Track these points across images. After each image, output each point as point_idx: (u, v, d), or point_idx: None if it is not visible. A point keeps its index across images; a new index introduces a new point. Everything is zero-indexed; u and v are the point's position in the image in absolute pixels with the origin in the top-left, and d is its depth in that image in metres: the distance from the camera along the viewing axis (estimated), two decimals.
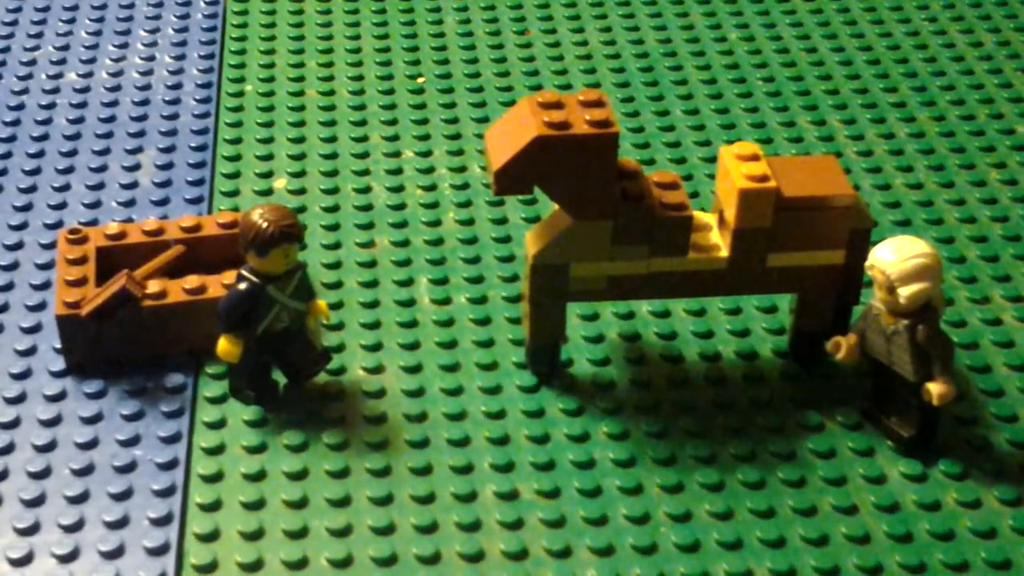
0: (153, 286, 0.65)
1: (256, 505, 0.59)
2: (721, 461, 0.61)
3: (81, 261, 0.66)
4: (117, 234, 0.68)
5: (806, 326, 0.64)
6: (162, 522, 0.58)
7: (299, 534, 0.58)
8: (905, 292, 0.58)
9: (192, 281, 0.65)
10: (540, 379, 0.65)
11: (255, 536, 0.58)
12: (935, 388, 0.59)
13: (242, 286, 0.60)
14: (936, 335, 0.59)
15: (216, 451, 0.61)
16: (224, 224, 0.69)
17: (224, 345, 0.61)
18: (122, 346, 0.65)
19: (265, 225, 0.59)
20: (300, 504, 0.59)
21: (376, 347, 0.67)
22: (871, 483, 0.60)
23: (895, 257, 0.58)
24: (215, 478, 0.60)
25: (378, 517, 0.58)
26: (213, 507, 0.59)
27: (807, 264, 0.62)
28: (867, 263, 0.59)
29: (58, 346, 0.66)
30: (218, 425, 0.63)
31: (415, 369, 0.65)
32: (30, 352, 0.66)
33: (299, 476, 0.60)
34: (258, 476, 0.60)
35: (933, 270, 0.58)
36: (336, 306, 0.69)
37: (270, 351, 0.62)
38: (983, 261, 0.73)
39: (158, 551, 0.57)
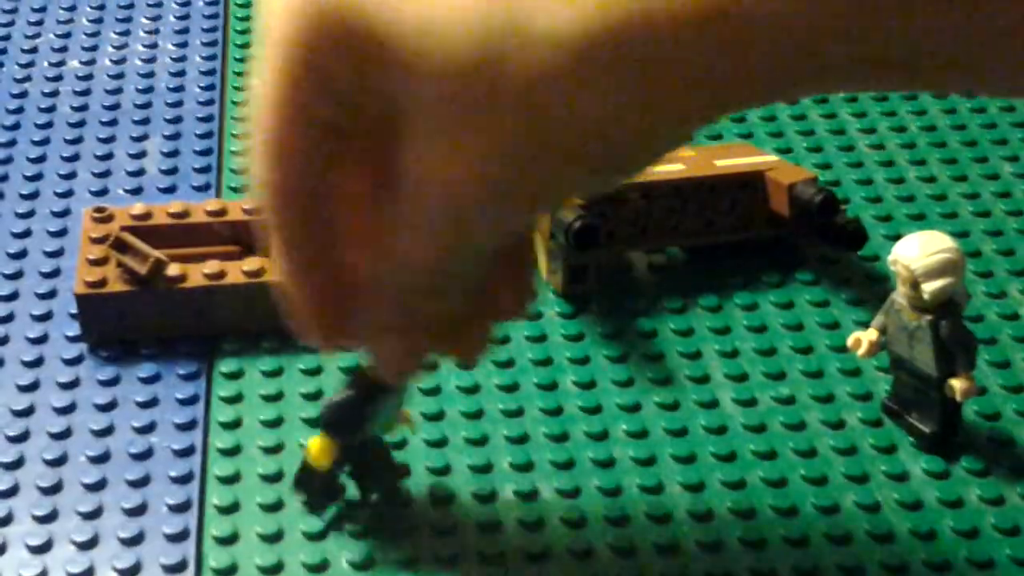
0: (173, 269, 0.64)
1: (274, 507, 0.58)
2: (742, 459, 0.61)
3: (104, 240, 0.66)
4: (142, 215, 0.68)
5: None
6: (181, 509, 0.58)
7: (319, 536, 0.57)
8: (929, 288, 0.58)
9: (212, 266, 0.65)
10: None
11: (274, 538, 0.57)
12: (958, 384, 0.58)
13: (357, 391, 0.55)
14: (960, 331, 0.59)
15: (232, 452, 0.61)
16: (248, 210, 0.69)
17: (321, 450, 0.56)
18: (139, 327, 0.65)
19: None
20: None
21: None
22: (893, 480, 0.60)
23: (919, 252, 0.58)
24: (232, 479, 0.60)
25: (395, 518, 0.58)
26: (230, 509, 0.58)
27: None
28: (890, 258, 0.59)
29: (70, 334, 0.66)
30: (233, 425, 0.62)
31: (430, 366, 0.65)
32: (42, 340, 0.66)
33: None
34: (275, 478, 0.60)
35: (957, 265, 0.58)
36: None
37: (353, 458, 0.57)
38: (999, 255, 0.72)
39: (178, 537, 0.57)
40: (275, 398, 0.63)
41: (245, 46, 0.88)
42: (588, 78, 0.36)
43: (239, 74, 0.85)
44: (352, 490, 0.58)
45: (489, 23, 0.36)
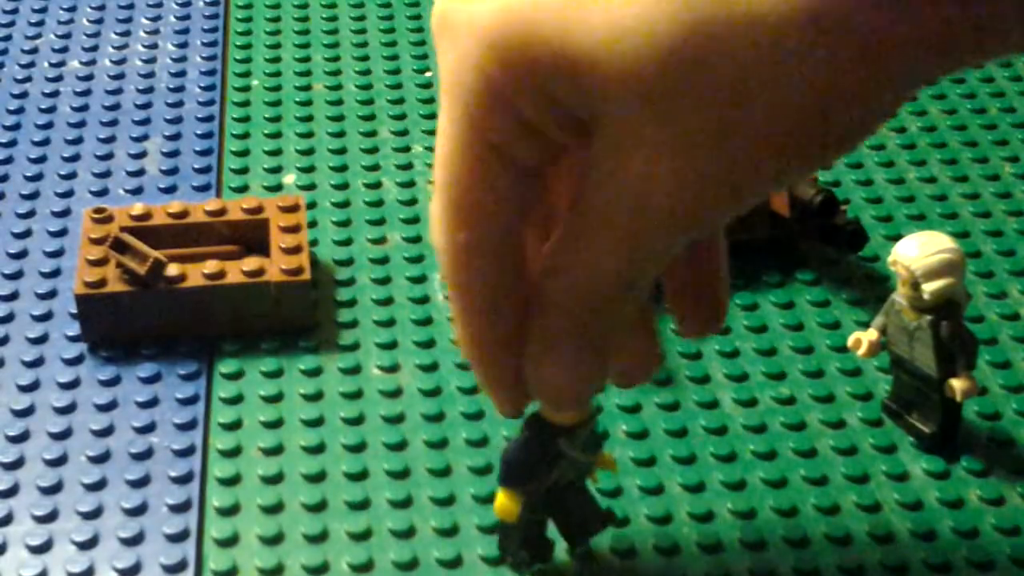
0: (172, 270, 0.64)
1: (274, 509, 0.58)
2: (742, 459, 0.61)
3: (103, 241, 0.66)
4: (142, 215, 0.68)
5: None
6: (181, 508, 0.58)
7: (319, 538, 0.57)
8: (929, 288, 0.57)
9: (212, 266, 0.65)
10: None
11: (274, 541, 0.57)
12: (958, 384, 0.58)
13: (532, 436, 0.51)
14: (960, 331, 0.58)
15: (232, 453, 0.61)
16: (248, 209, 0.69)
17: (503, 502, 0.52)
18: (138, 328, 0.65)
19: None
20: (319, 507, 0.58)
21: (391, 345, 0.66)
22: (893, 480, 0.60)
23: (919, 253, 0.58)
24: (232, 481, 0.60)
25: (398, 520, 0.57)
26: (231, 511, 0.58)
27: None
28: (890, 259, 0.59)
29: (71, 334, 0.66)
30: (233, 426, 0.62)
31: (431, 367, 0.65)
32: (42, 340, 0.66)
33: (317, 479, 0.60)
34: (276, 479, 0.60)
35: (957, 266, 0.58)
36: (349, 303, 0.68)
37: (549, 507, 0.54)
38: (999, 255, 0.72)
39: (178, 537, 0.57)
40: (275, 399, 0.63)
41: (245, 47, 0.88)
42: (800, 53, 0.36)
43: (239, 75, 0.85)
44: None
45: (682, 17, 0.36)
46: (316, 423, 0.62)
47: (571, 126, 0.40)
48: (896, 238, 0.60)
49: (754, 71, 0.36)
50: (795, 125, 0.37)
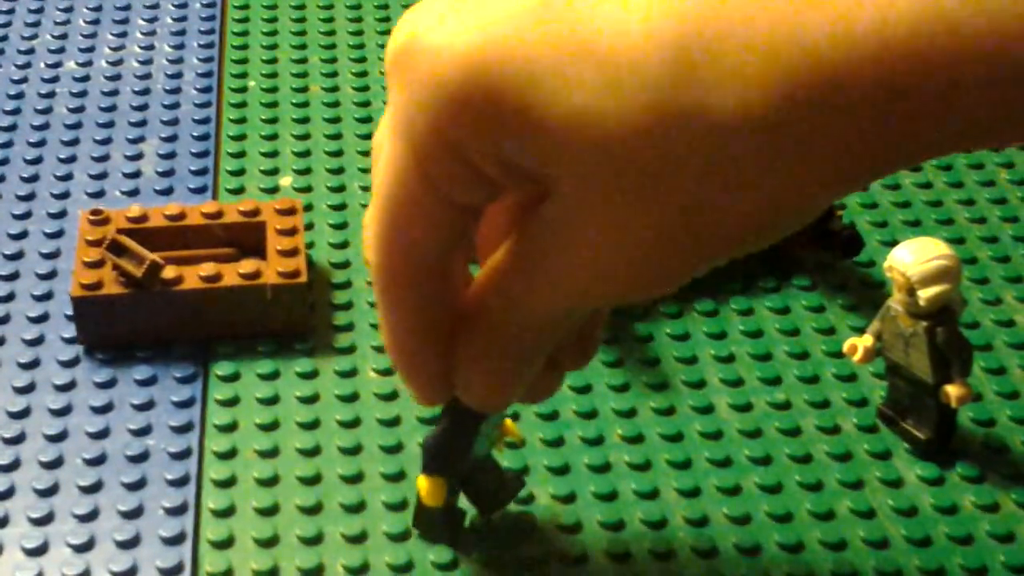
0: (168, 272, 0.64)
1: (270, 511, 0.58)
2: (737, 464, 0.61)
3: (100, 243, 0.66)
4: (138, 217, 0.68)
5: None
6: (177, 511, 0.58)
7: (314, 540, 0.57)
8: (925, 294, 0.58)
9: (208, 268, 0.65)
10: None
11: (270, 543, 0.57)
12: (953, 390, 0.58)
13: (452, 423, 0.53)
14: (955, 337, 0.59)
15: (228, 455, 0.61)
16: (245, 212, 0.69)
17: (430, 489, 0.55)
18: (135, 330, 0.65)
19: None
20: (314, 510, 0.58)
21: None
22: (888, 486, 0.60)
23: (914, 259, 0.58)
24: (227, 483, 0.60)
25: (393, 522, 0.57)
26: (226, 513, 0.58)
27: None
28: (886, 264, 0.59)
29: (66, 335, 0.66)
30: (229, 428, 0.62)
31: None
32: (38, 341, 0.66)
33: (312, 481, 0.60)
34: (271, 481, 0.60)
35: (953, 272, 0.58)
36: (345, 306, 0.68)
37: (464, 484, 0.56)
38: (995, 262, 0.72)
39: (174, 540, 0.57)
40: (271, 401, 0.63)
41: (242, 48, 0.88)
42: (751, 157, 0.36)
43: (236, 76, 0.85)
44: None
45: (658, 109, 0.36)
46: (312, 426, 0.62)
47: (519, 175, 0.40)
48: (892, 244, 0.60)
49: (713, 171, 0.37)
50: (745, 222, 0.38)
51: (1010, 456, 0.61)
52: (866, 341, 0.61)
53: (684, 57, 0.35)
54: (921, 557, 0.57)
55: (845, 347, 0.61)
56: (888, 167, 0.37)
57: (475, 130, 0.39)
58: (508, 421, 0.56)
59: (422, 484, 0.55)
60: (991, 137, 0.37)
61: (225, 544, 0.57)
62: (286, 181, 0.77)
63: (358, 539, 0.57)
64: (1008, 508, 0.59)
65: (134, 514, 0.58)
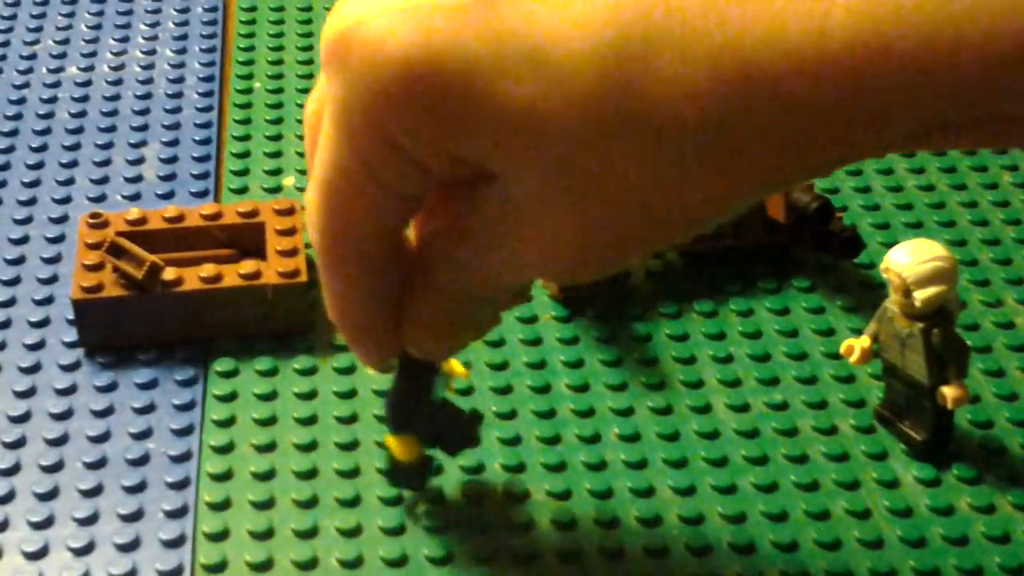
0: (169, 273, 0.64)
1: (265, 504, 0.58)
2: (733, 464, 0.61)
3: (99, 246, 0.66)
4: (137, 219, 0.68)
5: None
6: (177, 515, 0.58)
7: (309, 534, 0.57)
8: (921, 295, 0.57)
9: (208, 270, 0.65)
10: None
11: (264, 535, 0.57)
12: (950, 392, 0.58)
13: (406, 381, 0.54)
14: (951, 338, 0.58)
15: (225, 449, 0.61)
16: (243, 213, 0.69)
17: (403, 446, 0.56)
18: (135, 332, 0.65)
19: None
20: (310, 504, 0.58)
21: None
22: (884, 487, 0.60)
23: (911, 260, 0.58)
24: (224, 476, 0.60)
25: (388, 517, 0.58)
26: (222, 506, 0.58)
27: None
28: (882, 266, 0.59)
29: (67, 340, 0.66)
30: (227, 423, 0.62)
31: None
32: (39, 346, 0.66)
33: (308, 476, 0.60)
34: (267, 476, 0.60)
35: (949, 273, 0.58)
36: None
37: (428, 429, 0.57)
38: (996, 264, 0.72)
39: (174, 543, 0.57)
40: (269, 397, 0.63)
41: (248, 49, 0.88)
42: (692, 160, 0.37)
43: (241, 76, 0.86)
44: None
45: (594, 114, 0.37)
46: (309, 421, 0.62)
47: (458, 165, 0.40)
48: (893, 245, 0.60)
49: (650, 167, 0.37)
50: (680, 214, 0.39)
51: (1007, 458, 0.61)
52: (863, 342, 0.60)
53: (621, 65, 0.36)
54: (916, 558, 0.57)
55: (842, 348, 0.61)
56: (823, 168, 0.38)
57: (413, 125, 0.39)
58: (452, 361, 0.56)
59: (393, 444, 0.56)
60: (927, 145, 0.37)
61: (220, 536, 0.57)
62: (289, 181, 0.77)
63: (352, 533, 0.57)
64: (1004, 510, 0.59)
65: (134, 517, 0.58)
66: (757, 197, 0.39)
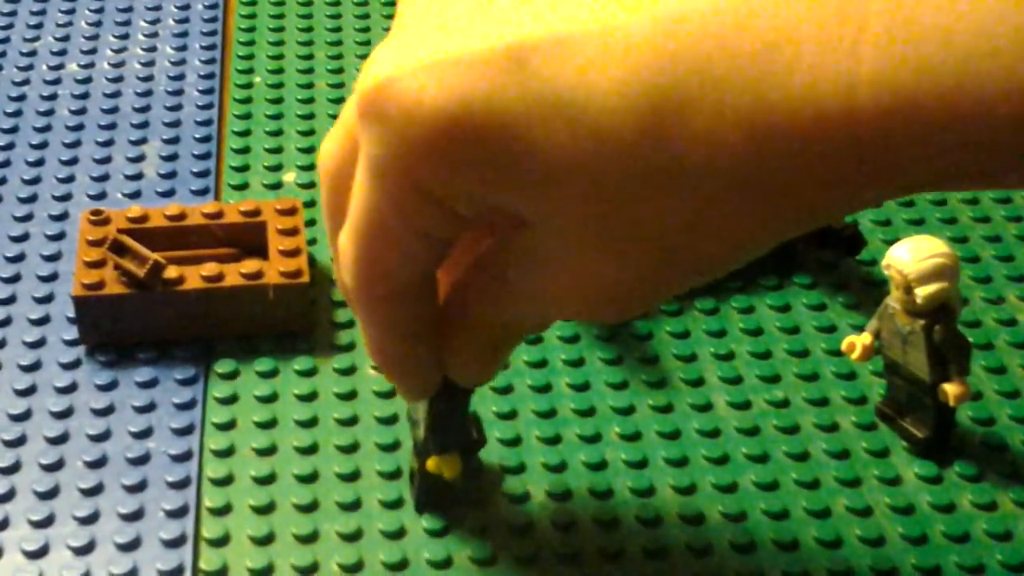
0: (171, 272, 0.64)
1: (266, 509, 0.58)
2: (734, 462, 0.61)
3: (101, 243, 0.66)
4: (139, 217, 0.68)
5: None
6: (178, 514, 0.58)
7: (309, 538, 0.57)
8: (922, 292, 0.57)
9: (210, 268, 0.65)
10: None
11: (265, 541, 0.57)
12: (951, 389, 0.58)
13: (449, 403, 0.54)
14: (953, 335, 0.58)
15: (226, 453, 0.61)
16: (245, 212, 0.69)
17: (449, 464, 0.56)
18: (136, 330, 0.65)
19: None
20: (310, 508, 0.58)
21: None
22: (886, 484, 0.60)
23: (912, 257, 0.58)
24: (225, 481, 0.60)
25: (389, 521, 0.57)
26: (223, 511, 0.58)
27: None
28: (884, 263, 0.59)
29: (68, 338, 0.66)
30: (227, 427, 0.62)
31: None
32: (39, 344, 0.66)
33: (309, 479, 0.59)
34: (268, 479, 0.60)
35: (951, 270, 0.58)
36: (346, 304, 0.68)
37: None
38: (998, 261, 0.72)
39: (174, 543, 0.57)
40: (270, 399, 0.63)
41: (248, 44, 0.88)
42: (722, 208, 0.38)
43: (242, 72, 0.86)
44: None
45: (631, 170, 0.38)
46: (310, 423, 0.62)
47: (492, 213, 0.42)
48: (895, 242, 0.60)
49: (684, 217, 0.39)
50: (713, 257, 0.41)
51: (1009, 455, 0.61)
52: (865, 339, 0.60)
53: (658, 121, 0.37)
54: (917, 555, 0.57)
55: (844, 345, 0.61)
56: (855, 208, 0.40)
57: (449, 176, 0.40)
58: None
59: (441, 465, 0.55)
60: (953, 187, 0.40)
61: (221, 542, 0.57)
62: (290, 177, 0.77)
63: (353, 537, 0.57)
64: (1006, 507, 0.59)
65: (135, 516, 0.58)
66: (790, 235, 0.41)
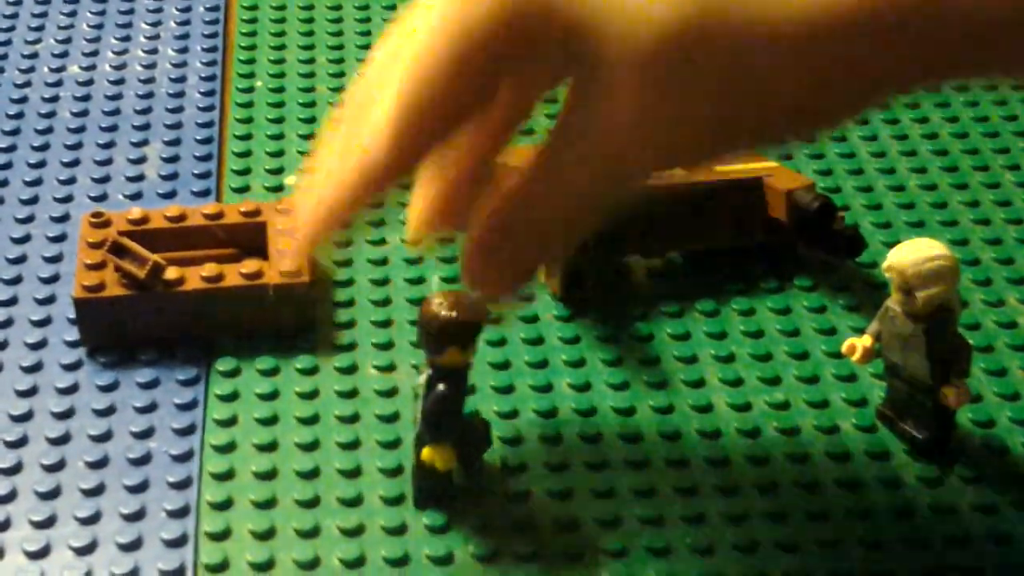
0: (171, 273, 0.64)
1: (267, 504, 0.58)
2: (734, 463, 0.61)
3: (101, 245, 0.66)
4: (139, 219, 0.68)
5: None
6: (179, 514, 0.58)
7: (311, 533, 0.57)
8: (923, 295, 0.57)
9: (210, 269, 0.65)
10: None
11: (266, 535, 0.57)
12: (951, 391, 0.58)
13: (443, 389, 0.55)
14: (953, 338, 0.58)
15: (227, 449, 0.61)
16: (245, 212, 0.69)
17: (441, 455, 0.56)
18: (136, 331, 0.65)
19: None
20: (312, 504, 0.58)
21: (388, 345, 0.66)
22: (886, 486, 0.60)
23: (912, 259, 0.58)
24: (226, 476, 0.60)
25: (390, 517, 0.58)
26: (224, 505, 0.58)
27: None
28: (884, 265, 0.59)
29: (69, 339, 0.66)
30: (229, 423, 0.62)
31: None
32: (41, 345, 0.66)
33: (311, 475, 0.60)
34: (269, 476, 0.60)
35: (951, 272, 0.58)
36: (347, 304, 0.68)
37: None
38: (998, 263, 0.72)
39: (176, 543, 0.57)
40: (271, 396, 0.63)
41: (249, 48, 0.88)
42: (774, 75, 0.40)
43: (243, 75, 0.86)
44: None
45: (682, 25, 0.40)
46: (311, 421, 0.62)
47: (556, 68, 0.45)
48: (895, 245, 0.60)
49: (746, 67, 0.40)
50: (763, 125, 0.42)
51: (1009, 458, 0.61)
52: (865, 341, 0.60)
53: None
54: (917, 557, 0.57)
55: (844, 347, 0.61)
56: (906, 89, 0.42)
57: (525, 28, 0.42)
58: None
59: (434, 455, 0.56)
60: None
61: (222, 536, 0.57)
62: (291, 180, 0.77)
63: (354, 532, 0.57)
64: (1006, 509, 0.59)
65: (136, 517, 0.58)
66: (844, 118, 0.43)
